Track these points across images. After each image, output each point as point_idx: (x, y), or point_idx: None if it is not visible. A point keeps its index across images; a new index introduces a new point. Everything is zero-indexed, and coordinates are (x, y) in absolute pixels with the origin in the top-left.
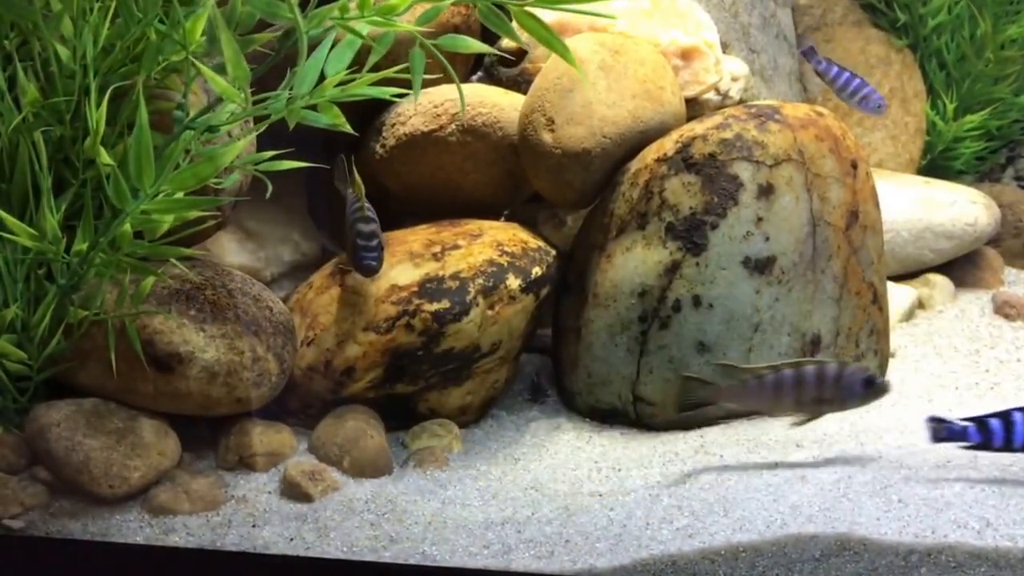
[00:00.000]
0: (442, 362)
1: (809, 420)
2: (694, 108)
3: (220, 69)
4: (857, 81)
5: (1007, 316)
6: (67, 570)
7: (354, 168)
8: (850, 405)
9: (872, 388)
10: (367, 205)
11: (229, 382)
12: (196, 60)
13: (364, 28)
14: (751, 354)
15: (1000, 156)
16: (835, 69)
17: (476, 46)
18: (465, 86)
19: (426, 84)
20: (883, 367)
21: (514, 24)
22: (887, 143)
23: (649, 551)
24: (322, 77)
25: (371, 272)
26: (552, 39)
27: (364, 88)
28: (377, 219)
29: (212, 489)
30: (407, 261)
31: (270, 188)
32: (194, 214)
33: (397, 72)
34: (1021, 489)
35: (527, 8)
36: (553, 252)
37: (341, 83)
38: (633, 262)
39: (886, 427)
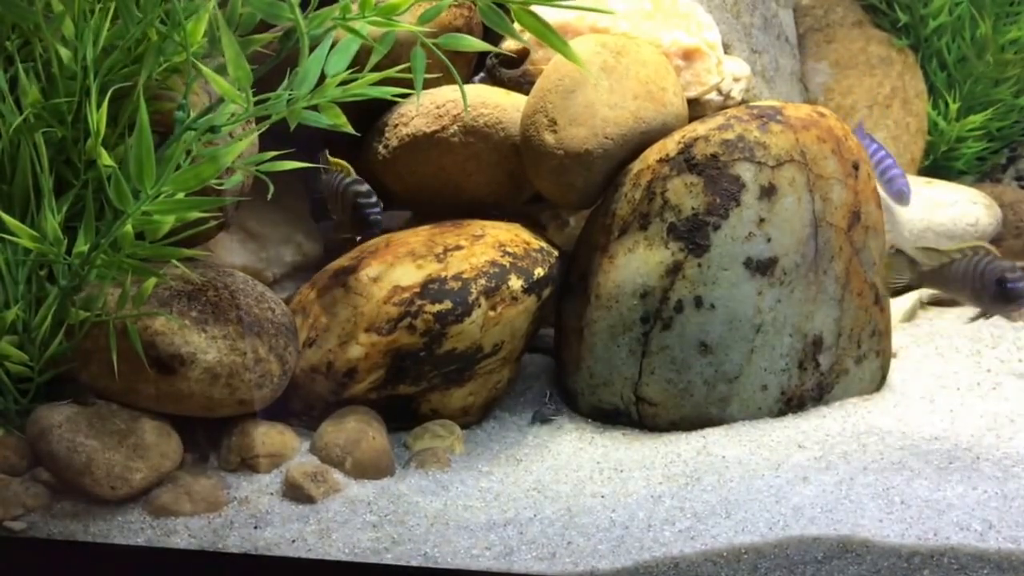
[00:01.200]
0: (444, 363)
1: (985, 316)
2: (696, 109)
3: (221, 70)
4: (888, 162)
5: (1008, 317)
6: (69, 572)
7: (327, 156)
8: (985, 301)
9: (1003, 289)
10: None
11: (231, 383)
12: (197, 61)
13: (365, 28)
14: (753, 355)
15: (1001, 156)
16: (873, 147)
17: (477, 45)
18: (467, 87)
19: (428, 85)
20: (885, 368)
21: (515, 25)
22: (888, 143)
23: (651, 553)
24: (323, 77)
25: (376, 226)
26: (552, 36)
27: (365, 88)
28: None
29: (214, 490)
30: (409, 262)
31: (271, 189)
32: (195, 215)
33: (399, 72)
34: None
35: (527, 7)
36: (555, 253)
37: (342, 83)
38: (635, 263)
39: (888, 428)
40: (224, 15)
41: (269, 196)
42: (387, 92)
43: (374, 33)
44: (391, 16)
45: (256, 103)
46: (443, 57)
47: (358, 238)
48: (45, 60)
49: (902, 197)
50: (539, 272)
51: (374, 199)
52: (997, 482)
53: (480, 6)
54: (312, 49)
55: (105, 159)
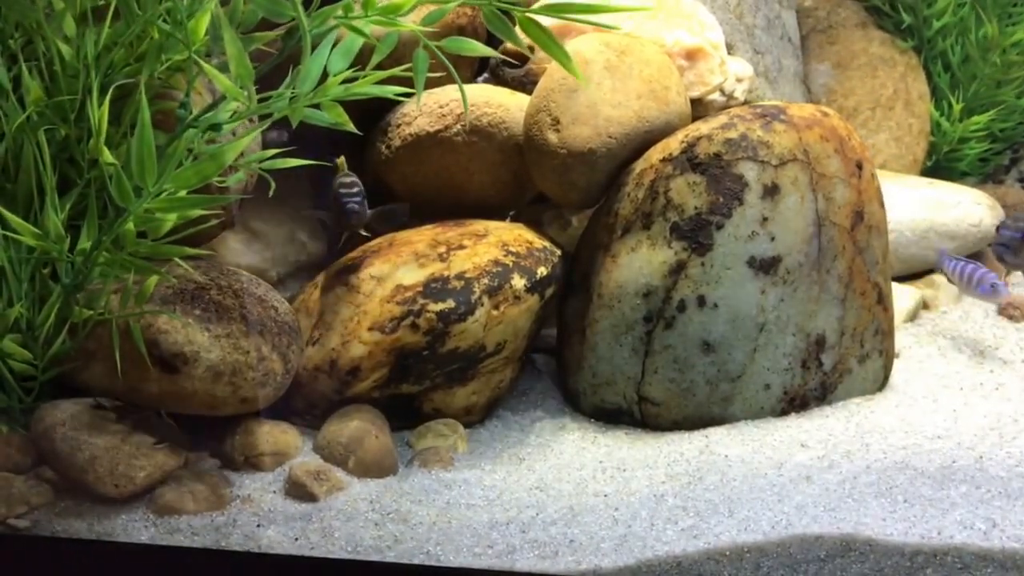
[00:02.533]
0: (447, 362)
1: None
2: (699, 109)
3: (224, 67)
4: (971, 267)
5: (1011, 317)
6: (72, 570)
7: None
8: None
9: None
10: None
11: (234, 382)
12: (200, 59)
13: (367, 27)
14: (756, 354)
15: (1004, 157)
16: (952, 263)
17: (480, 49)
18: (471, 86)
19: (432, 84)
20: (888, 367)
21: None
22: (891, 144)
23: (654, 552)
24: (325, 76)
25: (356, 216)
26: (554, 45)
27: (367, 87)
28: (358, 179)
29: (217, 489)
30: (412, 261)
31: (272, 187)
32: (196, 212)
33: (402, 71)
34: None
35: (530, 13)
36: (558, 252)
37: (345, 82)
38: (638, 262)
39: (891, 427)
40: (226, 13)
41: (270, 193)
42: (389, 91)
43: (377, 32)
44: (393, 16)
45: (258, 101)
46: (444, 60)
47: (350, 233)
48: (48, 58)
49: (994, 288)
50: (542, 271)
51: (355, 189)
52: (1001, 481)
53: (484, 12)
54: (314, 47)
55: (106, 157)
